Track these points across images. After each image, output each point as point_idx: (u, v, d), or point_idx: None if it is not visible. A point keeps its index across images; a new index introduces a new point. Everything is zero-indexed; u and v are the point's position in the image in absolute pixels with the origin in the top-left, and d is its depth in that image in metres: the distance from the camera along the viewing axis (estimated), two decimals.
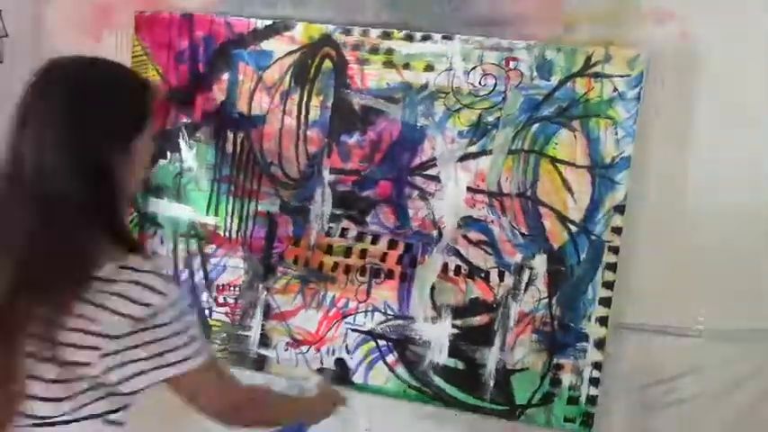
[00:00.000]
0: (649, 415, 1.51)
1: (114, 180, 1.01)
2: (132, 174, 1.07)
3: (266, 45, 1.60)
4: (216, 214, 1.65)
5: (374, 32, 1.54)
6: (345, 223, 1.58)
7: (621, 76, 1.42)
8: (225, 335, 1.66)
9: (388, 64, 1.54)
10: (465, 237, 1.53)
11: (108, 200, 1.01)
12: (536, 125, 1.47)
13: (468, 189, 1.51)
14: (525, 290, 1.50)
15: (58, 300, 0.96)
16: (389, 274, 1.57)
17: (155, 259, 1.08)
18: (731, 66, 1.40)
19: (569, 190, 1.47)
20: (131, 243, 1.04)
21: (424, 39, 1.52)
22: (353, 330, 1.59)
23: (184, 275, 1.67)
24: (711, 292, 1.45)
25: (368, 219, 1.57)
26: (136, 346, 0.98)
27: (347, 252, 1.59)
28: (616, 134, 1.43)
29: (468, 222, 1.52)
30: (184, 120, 1.67)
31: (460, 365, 1.54)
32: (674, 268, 1.46)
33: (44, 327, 0.96)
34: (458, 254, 1.53)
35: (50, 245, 0.97)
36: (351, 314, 1.59)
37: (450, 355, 1.55)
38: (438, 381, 1.55)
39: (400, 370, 1.57)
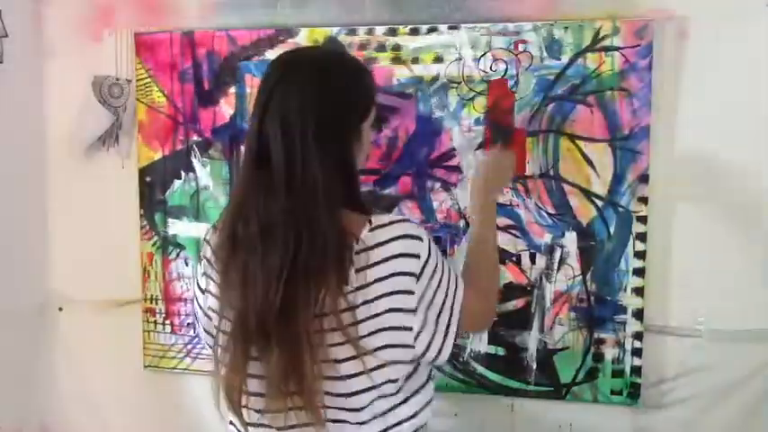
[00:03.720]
0: (649, 415, 1.51)
1: (353, 160, 1.07)
2: (362, 154, 1.11)
3: (271, 54, 1.60)
4: None
5: (379, 30, 1.54)
6: None
7: (632, 47, 1.43)
8: None
9: (397, 60, 1.54)
10: None
11: (349, 180, 1.05)
12: (551, 105, 1.48)
13: None
14: (558, 269, 1.51)
15: (332, 281, 0.97)
16: None
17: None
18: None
19: (591, 165, 1.48)
20: (368, 210, 1.06)
21: (431, 31, 1.52)
22: None
23: None
24: (711, 292, 1.46)
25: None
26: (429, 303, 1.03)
27: None
28: (632, 105, 1.44)
29: None
30: (195, 138, 1.66)
31: (501, 351, 1.55)
32: (674, 268, 1.48)
33: (329, 308, 0.97)
34: None
35: (311, 229, 0.97)
36: None
37: (491, 342, 1.55)
38: (481, 369, 1.55)
39: None
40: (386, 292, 0.99)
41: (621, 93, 1.45)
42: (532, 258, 1.52)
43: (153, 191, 1.70)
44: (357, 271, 0.98)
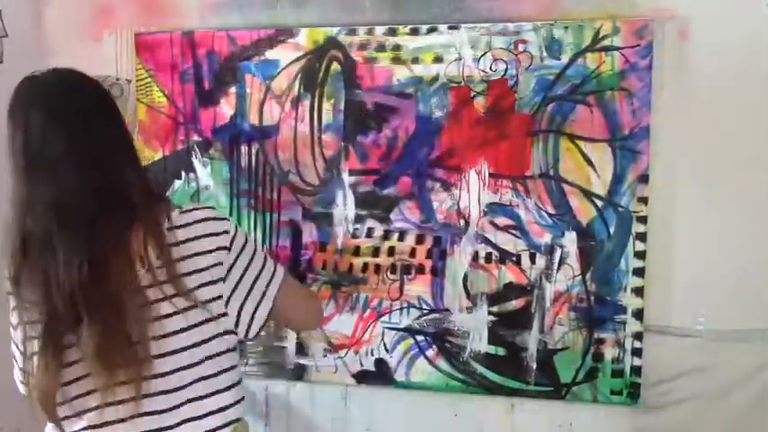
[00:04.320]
0: (649, 415, 1.51)
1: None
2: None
3: (271, 54, 1.60)
4: None
5: (379, 30, 1.54)
6: (370, 223, 1.58)
7: (632, 47, 1.43)
8: (261, 348, 1.64)
9: (397, 60, 1.54)
10: (492, 223, 1.53)
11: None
12: (551, 105, 1.48)
13: (491, 175, 1.52)
14: (558, 269, 1.51)
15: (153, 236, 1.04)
16: (420, 269, 1.57)
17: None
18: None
19: (591, 165, 1.48)
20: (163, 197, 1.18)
21: (430, 31, 1.52)
22: (390, 329, 1.59)
23: None
24: (711, 293, 1.46)
25: (392, 216, 1.57)
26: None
27: (375, 252, 1.58)
28: (632, 105, 1.44)
29: (493, 208, 1.53)
30: (195, 138, 1.66)
31: (501, 351, 1.54)
32: (674, 268, 1.48)
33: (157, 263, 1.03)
34: (487, 241, 1.53)
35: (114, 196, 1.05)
36: (386, 313, 1.59)
37: (490, 342, 1.55)
38: (481, 369, 1.55)
39: (441, 363, 1.57)
40: (197, 268, 1.06)
41: (621, 93, 1.45)
42: (532, 258, 1.52)
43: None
44: (170, 245, 1.05)
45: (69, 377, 1.04)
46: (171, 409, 1.06)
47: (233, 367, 1.13)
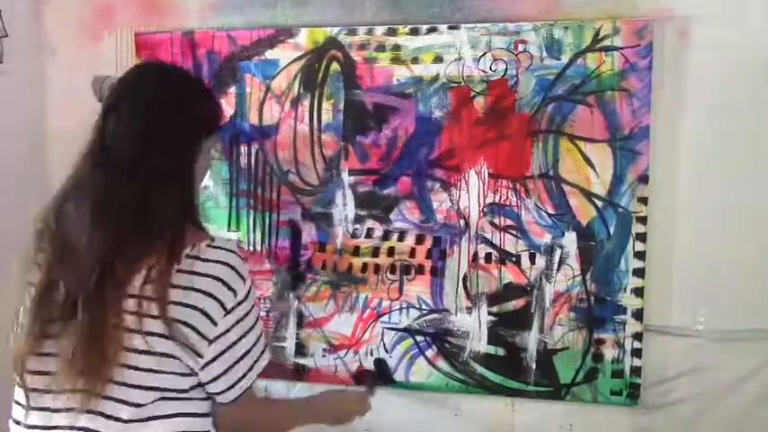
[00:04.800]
0: (649, 415, 1.51)
1: (190, 180, 1.11)
2: (201, 172, 1.17)
3: (271, 54, 1.60)
4: (238, 229, 1.64)
5: (379, 30, 1.54)
6: (370, 223, 1.58)
7: (632, 47, 1.43)
8: None
9: (396, 60, 1.54)
10: (492, 223, 1.53)
11: (188, 198, 1.10)
12: (551, 105, 1.48)
13: (491, 175, 1.52)
14: (558, 269, 1.51)
15: (159, 267, 1.00)
16: (420, 269, 1.56)
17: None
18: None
19: (591, 165, 1.48)
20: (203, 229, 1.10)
21: (430, 31, 1.52)
22: (390, 329, 1.59)
23: None
24: (711, 292, 1.46)
25: (392, 216, 1.57)
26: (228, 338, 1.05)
27: (375, 252, 1.58)
28: (632, 105, 1.44)
29: (493, 209, 1.53)
30: None
31: (501, 352, 1.54)
32: (674, 268, 1.48)
33: (152, 286, 1.00)
34: (486, 241, 1.53)
35: (149, 214, 1.02)
36: (385, 313, 1.59)
37: (490, 342, 1.55)
38: (480, 369, 1.55)
39: (441, 363, 1.57)
40: (192, 305, 1.01)
41: (621, 93, 1.45)
42: (532, 259, 1.52)
43: None
44: (178, 271, 1.01)
45: (44, 350, 1.03)
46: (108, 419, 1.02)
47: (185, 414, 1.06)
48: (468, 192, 1.53)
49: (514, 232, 1.52)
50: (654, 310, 1.48)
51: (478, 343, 1.55)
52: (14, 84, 1.71)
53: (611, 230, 1.47)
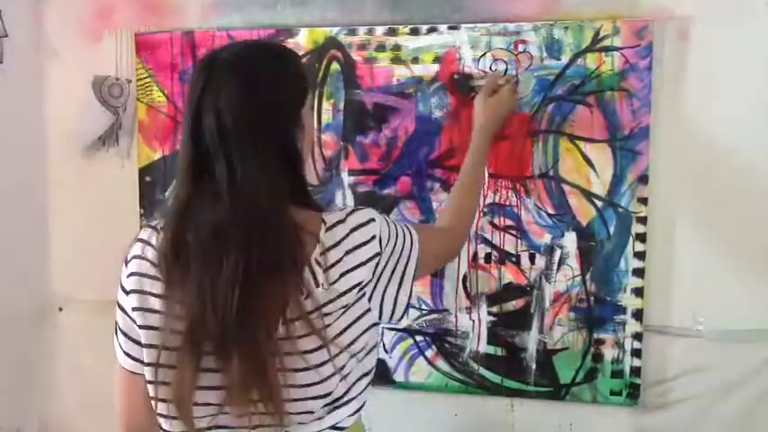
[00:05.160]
0: (649, 415, 1.51)
1: (297, 149, 1.02)
2: (305, 140, 1.05)
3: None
4: None
5: (379, 30, 1.54)
6: None
7: (632, 47, 1.43)
8: None
9: (397, 60, 1.54)
10: (492, 223, 1.53)
11: (295, 170, 1.01)
12: (551, 105, 1.48)
13: (491, 175, 1.52)
14: (558, 269, 1.51)
15: (290, 284, 0.94)
16: None
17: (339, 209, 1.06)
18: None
19: (591, 165, 1.47)
20: (315, 205, 1.04)
21: (430, 31, 1.52)
22: (389, 329, 1.59)
23: None
24: (711, 292, 1.46)
25: (392, 216, 1.57)
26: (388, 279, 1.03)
27: None
28: (632, 105, 1.44)
29: (493, 209, 1.53)
30: None
31: (501, 352, 1.54)
32: (674, 268, 1.48)
33: (294, 313, 0.94)
34: (486, 241, 1.53)
35: (261, 232, 0.93)
36: None
37: (490, 342, 1.55)
38: (480, 369, 1.55)
39: (441, 363, 1.57)
40: (353, 285, 0.98)
41: (621, 93, 1.45)
42: (532, 259, 1.52)
43: (153, 191, 1.70)
44: (324, 271, 0.97)
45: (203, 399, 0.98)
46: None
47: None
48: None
49: (514, 232, 1.52)
50: (654, 310, 1.48)
51: (478, 343, 1.55)
52: (14, 84, 1.71)
53: (611, 230, 1.47)
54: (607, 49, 1.44)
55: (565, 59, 1.47)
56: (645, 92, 1.43)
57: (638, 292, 1.47)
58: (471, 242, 1.54)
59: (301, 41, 1.58)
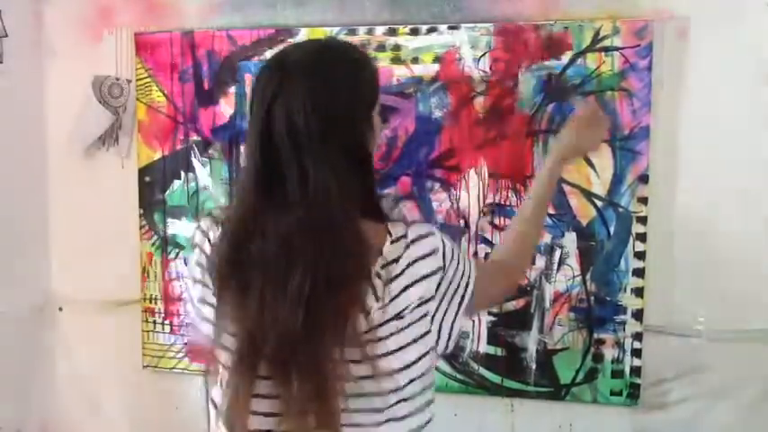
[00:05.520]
0: (649, 415, 1.51)
1: (369, 152, 0.98)
2: (374, 143, 1.01)
3: (271, 54, 1.59)
4: None
5: (379, 30, 1.54)
6: None
7: (632, 47, 1.43)
8: None
9: (397, 60, 1.54)
10: (491, 223, 1.53)
11: (366, 176, 0.96)
12: (551, 105, 1.48)
13: (491, 175, 1.52)
14: (558, 269, 1.51)
15: (357, 300, 0.90)
16: None
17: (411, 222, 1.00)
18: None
19: (591, 165, 1.47)
20: (382, 214, 0.98)
21: (430, 31, 1.52)
22: None
23: None
24: (711, 293, 1.46)
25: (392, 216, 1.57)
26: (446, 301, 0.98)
27: None
28: (632, 105, 1.44)
29: (493, 209, 1.53)
30: (195, 138, 1.66)
31: (501, 352, 1.54)
32: (674, 269, 1.48)
33: (354, 332, 0.89)
34: (486, 241, 1.53)
35: (332, 243, 0.89)
36: None
37: (490, 342, 1.55)
38: (480, 370, 1.55)
39: (441, 363, 1.57)
40: (413, 302, 0.94)
41: (621, 93, 1.45)
42: (532, 259, 1.51)
43: (153, 191, 1.70)
44: (385, 285, 0.92)
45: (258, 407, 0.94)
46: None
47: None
48: (468, 192, 1.53)
49: None
50: (654, 310, 1.48)
51: (478, 343, 1.55)
52: (14, 84, 1.71)
53: (611, 230, 1.47)
54: (607, 49, 1.45)
55: (565, 59, 1.47)
56: (645, 92, 1.44)
57: (638, 292, 1.47)
58: (471, 242, 1.54)
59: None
